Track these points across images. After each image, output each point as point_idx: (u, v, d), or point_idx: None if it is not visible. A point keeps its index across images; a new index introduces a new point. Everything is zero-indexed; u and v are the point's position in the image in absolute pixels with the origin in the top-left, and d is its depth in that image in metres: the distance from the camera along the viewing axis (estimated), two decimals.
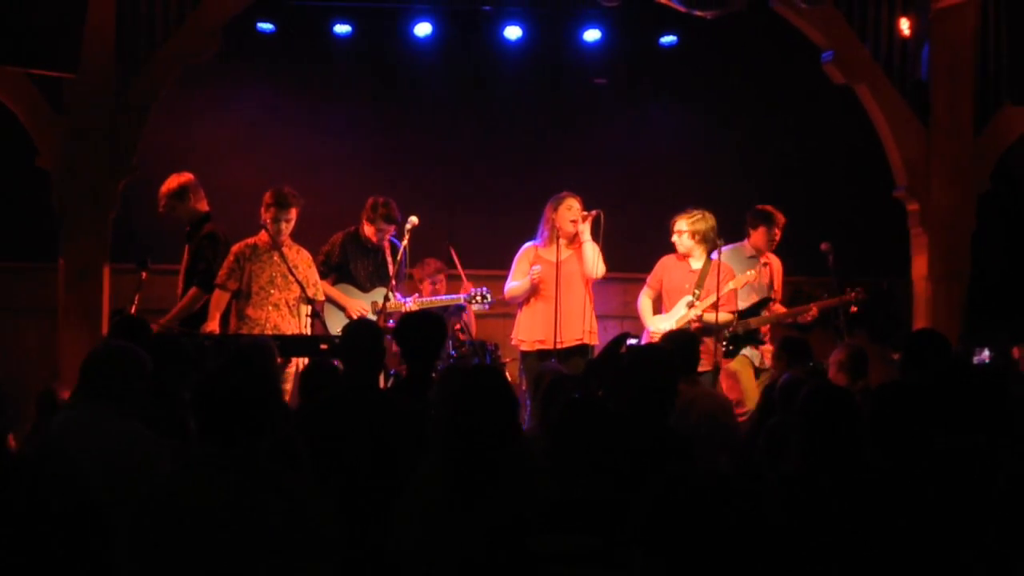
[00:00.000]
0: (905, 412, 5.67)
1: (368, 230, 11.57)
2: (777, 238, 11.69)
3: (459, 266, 12.07)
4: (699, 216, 11.38)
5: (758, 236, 11.69)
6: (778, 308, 11.61)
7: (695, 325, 11.13)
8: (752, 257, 11.67)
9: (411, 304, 11.39)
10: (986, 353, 10.96)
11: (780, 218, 11.67)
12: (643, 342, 10.71)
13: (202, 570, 4.61)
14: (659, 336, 10.60)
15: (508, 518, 5.04)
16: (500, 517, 5.05)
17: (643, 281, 11.78)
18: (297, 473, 5.00)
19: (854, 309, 11.37)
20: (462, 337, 11.63)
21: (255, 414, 4.82)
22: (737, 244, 11.77)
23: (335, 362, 8.60)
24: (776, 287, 11.73)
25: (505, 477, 5.22)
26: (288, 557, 4.66)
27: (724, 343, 11.25)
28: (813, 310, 11.40)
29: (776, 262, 11.74)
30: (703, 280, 11.29)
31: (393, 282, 11.43)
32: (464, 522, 5.07)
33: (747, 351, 11.32)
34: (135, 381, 6.24)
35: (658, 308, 11.56)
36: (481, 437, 5.26)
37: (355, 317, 11.20)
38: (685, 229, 11.38)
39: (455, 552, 5.03)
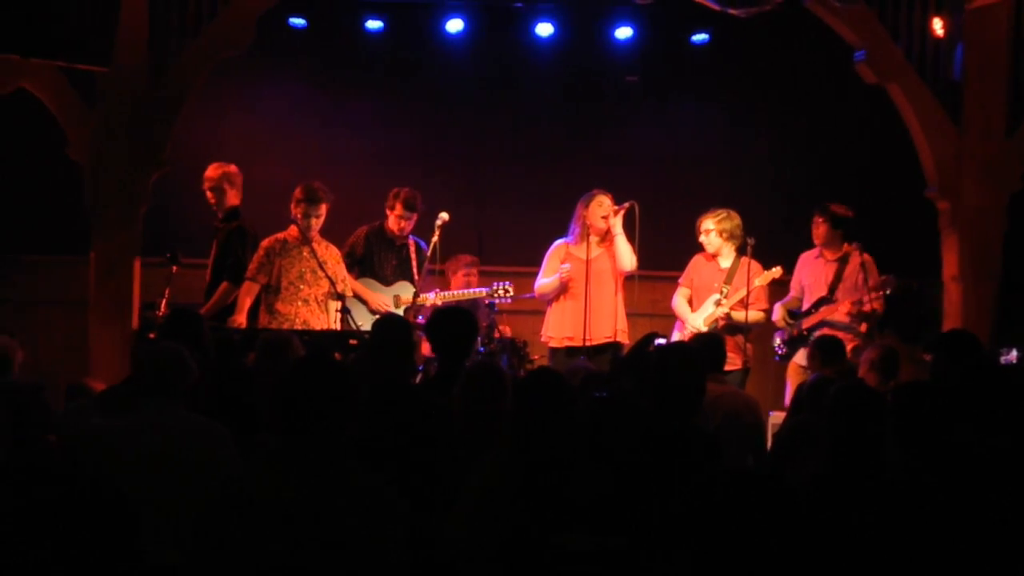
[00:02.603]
0: (931, 412, 5.66)
1: (391, 220, 11.58)
2: (824, 232, 11.53)
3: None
4: (724, 215, 11.39)
5: (814, 228, 11.58)
6: (839, 308, 11.42)
7: (722, 323, 11.13)
8: (818, 257, 11.59)
9: (434, 298, 11.40)
10: (1014, 353, 10.91)
11: (833, 212, 11.52)
12: (673, 340, 10.70)
13: (280, 563, 4.64)
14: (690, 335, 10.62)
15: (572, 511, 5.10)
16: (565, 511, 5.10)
17: (672, 279, 11.80)
18: (371, 468, 5.02)
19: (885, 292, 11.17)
20: (494, 335, 11.64)
21: (334, 409, 4.85)
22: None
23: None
24: (847, 286, 11.47)
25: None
26: (363, 552, 4.69)
27: (781, 345, 11.28)
28: (843, 307, 11.28)
29: (858, 256, 11.43)
30: (731, 277, 11.29)
31: (417, 278, 11.44)
32: (529, 518, 5.11)
33: (799, 354, 11.25)
34: (187, 379, 6.36)
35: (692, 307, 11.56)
36: (552, 436, 5.36)
37: (381, 311, 11.20)
38: (712, 228, 11.39)
39: (510, 548, 5.06)
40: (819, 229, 11.49)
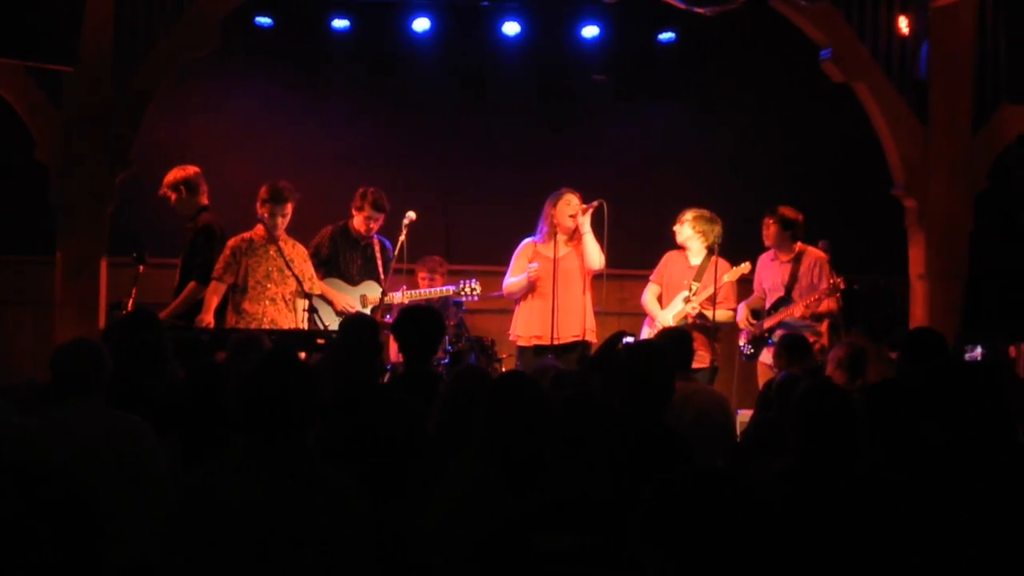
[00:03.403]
0: (898, 410, 5.69)
1: (357, 220, 11.53)
2: (774, 234, 11.57)
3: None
4: (708, 215, 11.47)
5: (764, 230, 11.62)
6: (795, 308, 11.43)
7: (691, 320, 11.17)
8: (773, 259, 11.62)
9: (400, 297, 11.40)
10: (978, 350, 10.97)
11: (782, 215, 11.54)
12: (642, 338, 10.72)
13: (246, 565, 4.63)
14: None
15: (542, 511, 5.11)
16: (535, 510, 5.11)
17: (639, 277, 11.84)
18: (338, 468, 5.01)
19: (838, 293, 11.18)
20: (462, 333, 11.65)
21: (299, 409, 4.84)
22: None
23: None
24: (802, 284, 11.50)
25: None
26: (331, 552, 4.68)
27: (747, 345, 11.34)
28: (798, 308, 11.30)
29: (812, 255, 11.47)
30: (701, 275, 11.34)
31: (383, 277, 11.43)
32: (501, 514, 5.11)
33: (764, 354, 11.30)
34: (105, 373, 6.33)
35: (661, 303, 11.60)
36: (525, 436, 5.43)
37: (345, 311, 11.19)
38: (688, 219, 11.46)
39: (484, 548, 5.07)
40: (769, 231, 11.54)
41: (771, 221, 11.51)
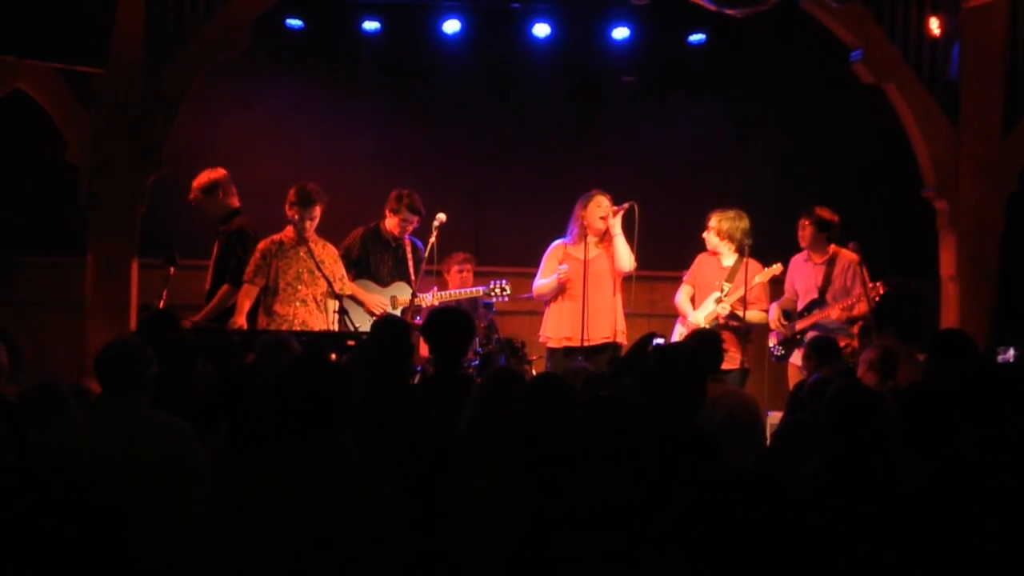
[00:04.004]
0: (931, 413, 5.67)
1: (391, 222, 11.52)
2: (810, 235, 11.50)
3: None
4: (732, 215, 11.40)
5: (800, 232, 11.56)
6: (830, 312, 11.37)
7: (723, 320, 11.15)
8: (806, 260, 11.55)
9: (431, 298, 11.40)
10: (1011, 352, 10.93)
11: (819, 216, 11.48)
12: (673, 340, 10.71)
13: (279, 565, 4.64)
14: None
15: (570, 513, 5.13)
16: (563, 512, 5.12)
17: (669, 279, 11.83)
18: (370, 470, 5.03)
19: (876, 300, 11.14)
20: (492, 335, 11.65)
21: (334, 410, 4.85)
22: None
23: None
24: (836, 287, 11.46)
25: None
26: (363, 552, 4.69)
27: (777, 346, 11.33)
28: (834, 311, 11.25)
29: (846, 258, 11.37)
30: (732, 276, 11.31)
31: (414, 278, 11.44)
32: (531, 516, 5.12)
33: (795, 355, 11.28)
34: (147, 373, 6.27)
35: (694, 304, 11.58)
36: (558, 438, 5.41)
37: (376, 312, 11.20)
38: (712, 226, 11.41)
39: (515, 549, 5.08)
40: (805, 232, 11.47)
41: (807, 222, 11.43)
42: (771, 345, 11.57)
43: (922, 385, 6.04)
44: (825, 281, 11.37)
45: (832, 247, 11.42)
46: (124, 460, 5.77)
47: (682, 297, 11.67)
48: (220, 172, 11.27)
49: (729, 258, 11.45)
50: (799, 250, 11.64)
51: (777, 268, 11.38)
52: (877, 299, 10.92)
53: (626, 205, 11.18)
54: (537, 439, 5.50)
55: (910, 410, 5.70)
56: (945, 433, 5.63)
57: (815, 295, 11.37)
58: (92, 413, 6.23)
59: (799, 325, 11.34)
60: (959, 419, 5.67)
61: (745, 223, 11.38)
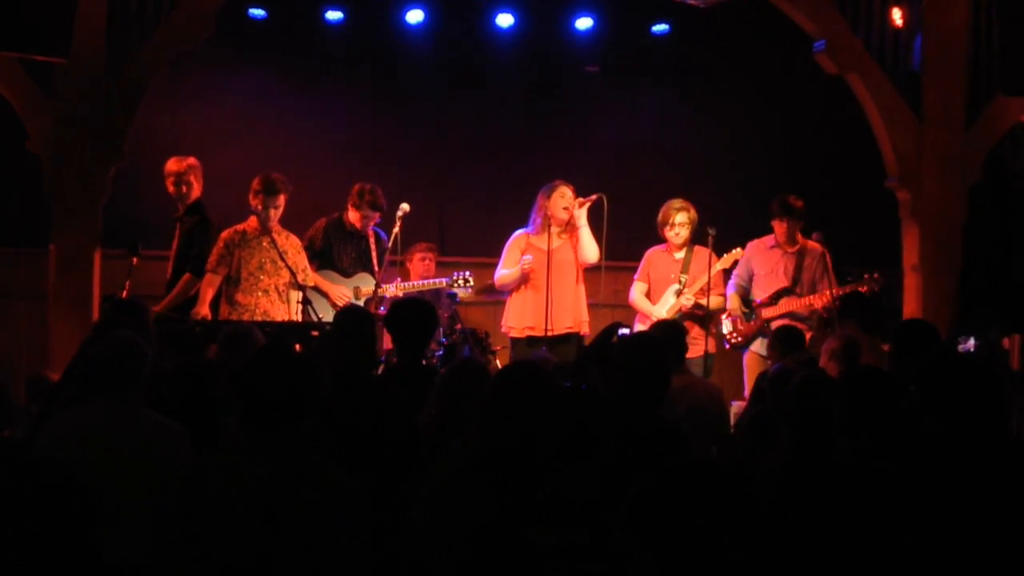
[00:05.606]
0: (880, 398, 5.65)
1: (353, 216, 11.53)
2: (787, 228, 11.46)
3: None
4: (691, 207, 11.38)
5: (778, 227, 11.51)
6: (801, 300, 11.35)
7: (686, 311, 11.15)
8: (773, 247, 11.54)
9: (393, 289, 11.39)
10: (971, 342, 10.98)
11: (797, 207, 11.45)
12: (636, 330, 10.71)
13: (243, 555, 4.63)
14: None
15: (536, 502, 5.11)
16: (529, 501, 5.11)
17: (634, 269, 11.78)
18: (333, 460, 5.01)
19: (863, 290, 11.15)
20: (456, 325, 11.64)
21: (296, 400, 4.84)
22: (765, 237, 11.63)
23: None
24: (805, 278, 11.46)
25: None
26: (326, 542, 4.69)
27: (733, 333, 11.33)
28: (818, 300, 11.22)
29: (814, 250, 11.33)
30: (687, 267, 11.30)
31: (377, 269, 11.43)
32: (494, 508, 5.11)
33: (756, 344, 11.29)
34: (142, 372, 6.19)
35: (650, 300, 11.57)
36: (523, 428, 5.40)
37: (339, 303, 11.20)
38: (686, 221, 11.35)
39: (475, 537, 5.06)
40: (784, 225, 11.38)
41: (787, 216, 11.24)
42: (725, 332, 11.51)
43: (870, 370, 6.02)
44: (796, 271, 11.35)
45: (799, 236, 11.43)
46: (102, 463, 5.63)
47: (637, 295, 11.63)
48: (193, 160, 11.26)
49: (681, 251, 11.43)
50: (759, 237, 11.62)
51: (739, 252, 11.37)
52: (839, 300, 10.93)
53: (593, 197, 11.17)
54: (509, 427, 5.47)
55: (859, 395, 5.67)
56: (898, 420, 5.62)
57: (785, 283, 11.35)
58: (77, 412, 6.12)
59: (766, 313, 11.32)
60: (919, 409, 5.68)
61: (693, 213, 11.42)
